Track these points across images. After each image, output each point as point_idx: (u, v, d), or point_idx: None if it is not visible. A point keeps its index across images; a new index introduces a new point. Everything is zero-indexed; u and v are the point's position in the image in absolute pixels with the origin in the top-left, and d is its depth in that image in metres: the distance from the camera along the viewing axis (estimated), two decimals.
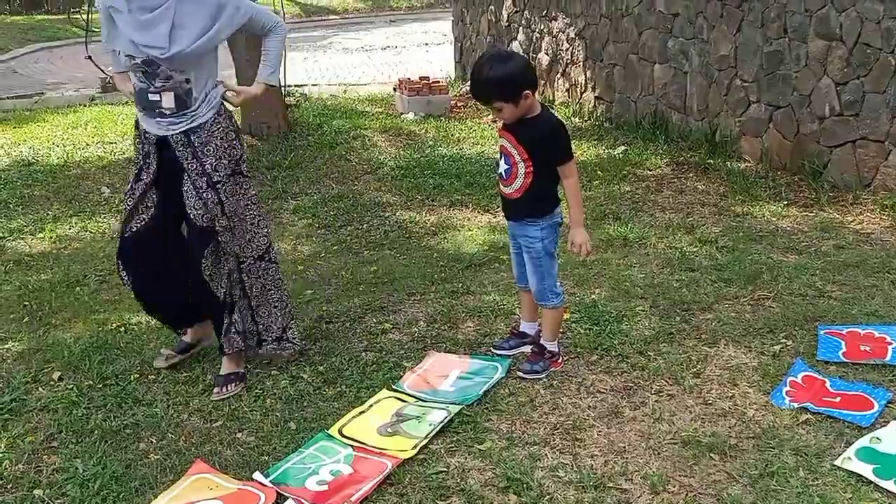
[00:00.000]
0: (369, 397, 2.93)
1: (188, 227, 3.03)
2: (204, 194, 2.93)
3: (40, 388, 3.15)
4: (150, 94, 2.86)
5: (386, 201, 5.47)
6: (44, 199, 5.61)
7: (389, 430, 2.70)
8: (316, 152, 6.60)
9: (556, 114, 3.01)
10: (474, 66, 2.81)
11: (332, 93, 9.75)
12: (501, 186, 2.96)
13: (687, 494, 2.30)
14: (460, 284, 3.97)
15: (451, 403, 2.83)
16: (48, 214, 5.29)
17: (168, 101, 2.85)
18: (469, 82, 2.86)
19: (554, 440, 2.59)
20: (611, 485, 2.35)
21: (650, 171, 5.74)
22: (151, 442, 2.74)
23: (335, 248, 4.73)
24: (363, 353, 3.30)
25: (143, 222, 3.03)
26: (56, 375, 3.24)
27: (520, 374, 3.00)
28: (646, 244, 4.37)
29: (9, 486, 2.54)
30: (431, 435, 2.64)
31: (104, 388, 3.12)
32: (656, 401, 2.79)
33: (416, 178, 5.89)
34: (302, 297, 3.97)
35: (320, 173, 6.13)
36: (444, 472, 2.45)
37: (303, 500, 2.36)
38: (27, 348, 3.52)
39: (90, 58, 10.17)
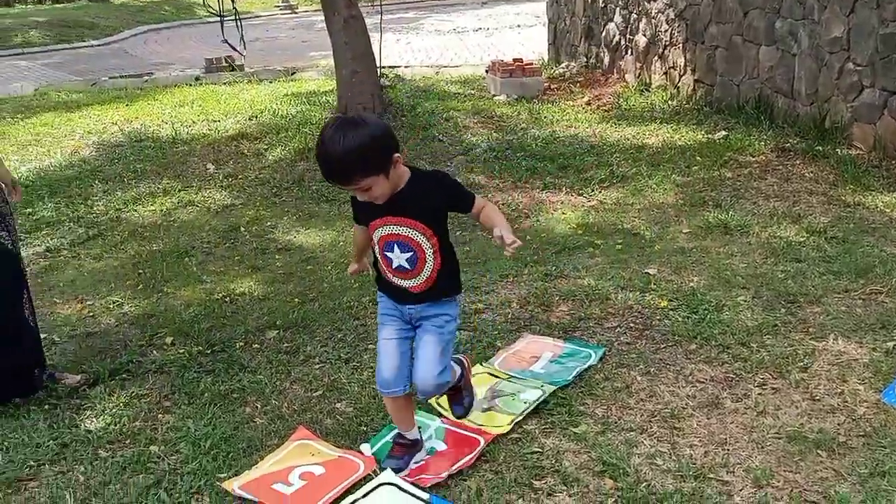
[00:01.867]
0: None
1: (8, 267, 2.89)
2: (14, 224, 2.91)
3: (154, 352, 3.34)
4: None
5: (478, 183, 5.49)
6: (155, 173, 5.91)
7: (485, 406, 2.74)
8: (409, 133, 6.67)
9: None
10: (321, 141, 2.11)
11: (424, 74, 9.81)
12: (401, 282, 2.31)
13: (792, 490, 2.24)
14: (553, 267, 3.95)
15: (543, 384, 2.83)
16: (158, 188, 5.57)
17: None
18: (320, 163, 2.15)
19: (651, 427, 2.56)
20: (711, 476, 2.31)
21: (753, 157, 5.53)
22: (256, 407, 2.86)
23: None
24: (457, 332, 3.34)
25: None
26: (168, 340, 3.43)
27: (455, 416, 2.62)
28: (748, 233, 4.23)
29: (127, 442, 2.71)
30: (527, 412, 2.66)
31: (212, 353, 3.28)
32: (759, 394, 2.72)
33: (509, 160, 5.88)
34: None
35: (413, 154, 6.19)
36: (539, 452, 2.47)
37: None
38: (142, 313, 3.73)
39: (226, 41, 10.62)
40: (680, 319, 3.27)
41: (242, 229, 4.88)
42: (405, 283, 2.31)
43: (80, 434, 2.74)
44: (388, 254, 2.29)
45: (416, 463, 2.47)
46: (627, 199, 4.99)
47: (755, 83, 6.47)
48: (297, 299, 3.80)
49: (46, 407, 2.93)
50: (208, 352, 3.30)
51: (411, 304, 2.35)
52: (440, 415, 2.70)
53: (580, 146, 6.07)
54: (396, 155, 2.17)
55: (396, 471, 2.41)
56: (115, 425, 2.79)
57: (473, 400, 2.65)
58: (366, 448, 2.55)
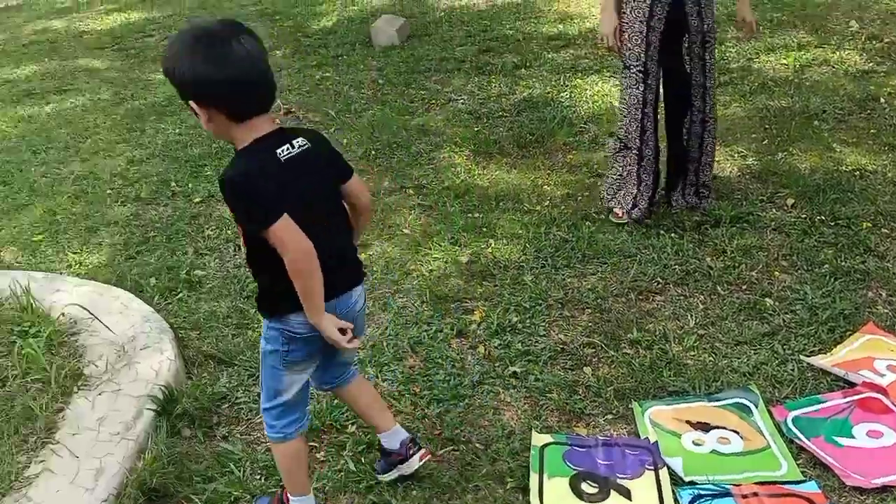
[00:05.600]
0: None
1: (676, 86, 3.26)
2: (700, 52, 3.17)
3: (773, 210, 3.41)
4: None
5: None
6: (790, 24, 5.66)
7: None
8: None
9: (256, 155, 1.68)
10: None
11: None
12: None
13: None
14: None
15: None
16: (793, 41, 5.35)
17: None
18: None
19: None
20: None
21: None
22: (880, 294, 2.75)
23: None
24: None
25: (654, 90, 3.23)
26: (790, 202, 3.45)
27: None
28: None
29: (743, 287, 2.90)
30: None
31: (836, 226, 3.21)
32: None
33: None
34: None
35: None
36: None
37: None
38: (764, 169, 3.80)
39: None
40: None
41: (882, 100, 4.43)
42: None
43: (702, 267, 3.04)
44: None
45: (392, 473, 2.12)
46: None
47: None
48: None
49: (673, 235, 3.29)
50: (831, 223, 3.23)
51: None
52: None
53: None
54: (192, 104, 1.64)
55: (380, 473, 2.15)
56: (734, 269, 3.00)
57: None
58: None
